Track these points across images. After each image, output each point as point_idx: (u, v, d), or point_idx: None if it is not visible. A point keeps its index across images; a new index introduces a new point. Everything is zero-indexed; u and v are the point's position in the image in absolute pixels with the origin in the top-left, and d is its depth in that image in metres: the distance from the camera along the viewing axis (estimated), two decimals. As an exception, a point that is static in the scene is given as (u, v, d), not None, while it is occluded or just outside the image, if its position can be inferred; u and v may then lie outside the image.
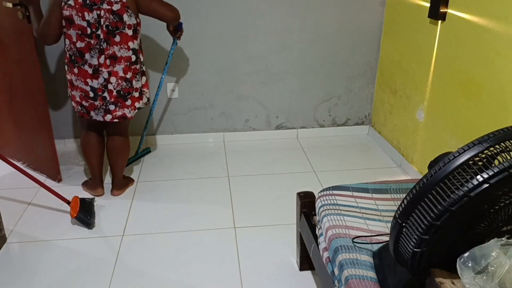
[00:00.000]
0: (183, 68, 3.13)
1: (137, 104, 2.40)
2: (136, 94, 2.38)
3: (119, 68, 2.26)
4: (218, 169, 2.94)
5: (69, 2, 2.15)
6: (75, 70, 2.26)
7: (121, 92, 2.31)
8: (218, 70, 3.17)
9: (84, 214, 2.32)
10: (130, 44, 2.26)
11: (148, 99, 2.51)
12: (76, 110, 2.39)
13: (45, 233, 2.28)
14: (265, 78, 3.23)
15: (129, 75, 2.31)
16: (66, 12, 2.17)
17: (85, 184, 2.69)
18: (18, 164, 2.64)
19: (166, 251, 2.14)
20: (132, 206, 2.51)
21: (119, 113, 2.35)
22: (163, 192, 2.65)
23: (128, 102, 2.35)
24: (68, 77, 2.32)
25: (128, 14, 2.20)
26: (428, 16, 2.45)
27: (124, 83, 2.30)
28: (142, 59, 2.38)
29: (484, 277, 1.00)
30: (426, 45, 2.54)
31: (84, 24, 2.18)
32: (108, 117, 2.33)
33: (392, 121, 3.08)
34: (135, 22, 2.25)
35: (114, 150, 2.53)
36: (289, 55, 3.18)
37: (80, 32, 2.19)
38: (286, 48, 3.15)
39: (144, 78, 2.42)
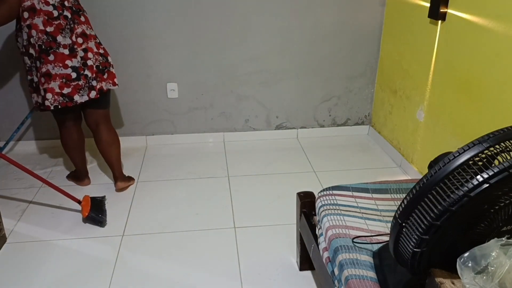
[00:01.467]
0: (183, 68, 3.13)
1: (116, 81, 2.46)
2: (112, 70, 2.45)
3: (91, 44, 2.35)
4: (218, 169, 2.94)
5: None
6: (50, 57, 2.24)
7: (100, 67, 2.38)
8: (218, 70, 3.17)
9: (95, 213, 2.34)
10: (92, 27, 2.41)
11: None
12: (54, 104, 2.29)
13: (45, 233, 2.28)
14: (265, 78, 3.23)
15: (101, 51, 2.40)
16: (27, 3, 2.17)
17: (71, 176, 2.77)
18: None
19: (166, 251, 2.14)
20: (132, 206, 2.51)
21: (98, 86, 2.38)
22: (163, 192, 2.65)
23: (105, 76, 2.41)
24: (43, 70, 2.24)
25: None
26: (428, 16, 2.45)
27: (100, 57, 2.38)
28: None
29: (484, 277, 1.00)
30: (426, 45, 2.54)
31: (50, 8, 2.21)
32: (93, 94, 2.36)
33: (392, 121, 3.08)
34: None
35: (102, 143, 2.54)
36: (289, 55, 3.18)
37: (46, 17, 2.21)
38: (286, 48, 3.15)
39: None
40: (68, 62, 2.27)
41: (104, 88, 2.41)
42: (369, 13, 3.11)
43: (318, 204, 1.73)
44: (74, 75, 2.29)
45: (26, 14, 2.18)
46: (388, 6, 3.05)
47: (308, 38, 3.14)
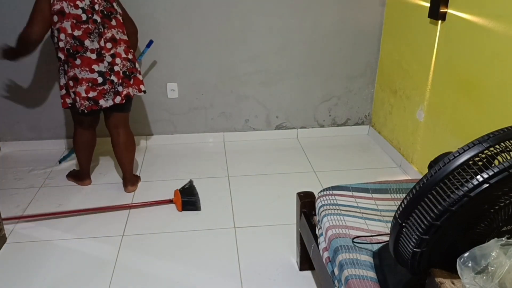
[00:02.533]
0: (183, 68, 3.13)
1: (142, 87, 2.45)
2: (139, 76, 2.44)
3: (120, 49, 2.33)
4: (218, 169, 2.94)
5: None
6: (77, 62, 2.25)
7: (126, 73, 2.37)
8: (218, 70, 3.17)
9: (188, 202, 2.43)
10: (124, 30, 2.36)
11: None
12: (81, 108, 2.33)
13: (45, 233, 2.28)
14: (265, 78, 3.23)
15: (130, 56, 2.39)
16: (56, 6, 2.17)
17: (71, 176, 2.78)
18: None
19: (166, 251, 2.14)
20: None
21: (124, 92, 2.38)
22: (163, 192, 2.64)
23: (132, 81, 2.40)
24: (71, 74, 2.27)
25: (116, 2, 2.33)
26: (428, 16, 2.45)
27: (128, 63, 2.37)
28: None
29: (484, 277, 1.00)
30: (426, 45, 2.54)
31: (79, 12, 2.20)
32: (118, 99, 2.36)
33: (392, 121, 3.08)
34: (121, 12, 2.36)
35: (120, 146, 2.54)
36: (289, 55, 3.18)
37: (75, 21, 2.20)
38: (286, 48, 3.15)
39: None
40: (94, 66, 2.27)
41: (131, 94, 2.41)
42: (369, 13, 3.11)
43: (318, 204, 1.73)
44: (100, 79, 2.29)
45: (55, 18, 2.20)
46: (388, 6, 3.05)
47: (308, 38, 3.14)
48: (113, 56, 2.30)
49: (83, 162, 2.66)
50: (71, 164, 3.00)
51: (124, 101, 2.39)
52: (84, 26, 2.22)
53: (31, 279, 1.97)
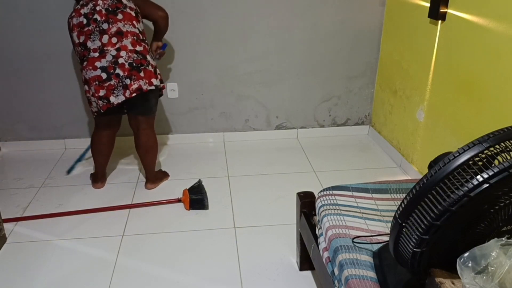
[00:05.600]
0: (183, 68, 3.13)
1: (154, 81, 2.32)
2: (151, 69, 2.33)
3: (127, 42, 2.26)
4: (218, 169, 2.94)
5: (72, 14, 2.26)
6: (85, 64, 2.27)
7: (134, 64, 2.26)
8: (218, 70, 3.17)
9: (196, 200, 2.44)
10: (135, 23, 2.30)
11: (163, 85, 2.43)
12: (99, 108, 2.32)
13: (45, 233, 2.28)
14: (265, 78, 3.23)
15: (139, 48, 2.29)
16: (70, 25, 2.28)
17: (91, 175, 2.78)
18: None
19: (166, 251, 2.14)
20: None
21: (135, 85, 2.27)
22: (163, 192, 2.65)
23: (142, 74, 2.28)
24: (83, 78, 2.32)
25: None
26: (428, 16, 2.45)
27: (135, 55, 2.27)
28: (148, 45, 2.41)
29: (484, 277, 1.00)
30: (426, 45, 2.54)
31: (81, 19, 2.23)
32: (128, 93, 2.26)
33: (392, 121, 3.08)
34: (134, 6, 2.32)
35: (140, 148, 2.55)
36: (289, 55, 3.18)
37: (79, 28, 2.24)
38: (286, 48, 3.15)
39: (155, 62, 2.41)
40: (97, 63, 2.24)
41: (144, 87, 2.28)
42: (369, 13, 3.11)
43: (318, 204, 1.73)
44: (104, 75, 2.24)
45: (71, 36, 2.29)
46: (388, 6, 3.05)
47: (308, 38, 3.14)
48: (118, 49, 2.24)
49: (97, 165, 2.65)
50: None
51: (134, 94, 2.27)
52: (85, 29, 2.23)
53: (31, 279, 1.97)
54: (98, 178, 2.69)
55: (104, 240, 2.23)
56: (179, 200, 2.52)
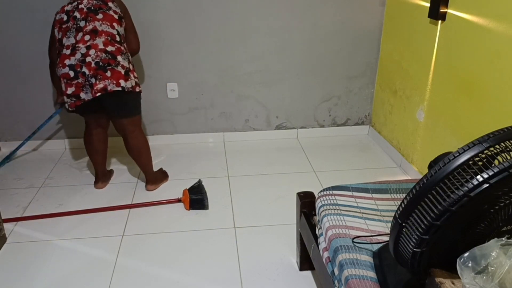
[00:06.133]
0: (183, 68, 3.13)
1: (122, 82, 2.22)
2: (121, 70, 2.23)
3: (99, 41, 2.21)
4: (218, 169, 2.94)
5: (58, 10, 2.29)
6: (58, 60, 2.25)
7: (100, 63, 2.19)
8: (218, 70, 3.17)
9: (196, 200, 2.44)
10: (115, 25, 2.28)
11: (138, 86, 2.35)
12: (69, 106, 2.30)
13: (45, 233, 2.28)
14: (265, 78, 3.23)
15: (110, 48, 2.22)
16: (55, 18, 2.30)
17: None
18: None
19: (166, 251, 2.14)
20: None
21: (100, 85, 2.20)
22: (163, 192, 2.65)
23: (108, 74, 2.20)
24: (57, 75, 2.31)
25: (114, 4, 2.30)
26: (428, 16, 2.45)
27: (103, 54, 2.20)
28: (127, 49, 2.35)
29: (484, 277, 1.00)
30: (426, 45, 2.54)
31: (63, 15, 2.25)
32: (93, 92, 2.21)
33: (392, 121, 3.08)
34: (120, 12, 2.31)
35: (131, 151, 2.51)
36: (289, 55, 3.18)
37: (59, 25, 2.25)
38: (286, 48, 3.15)
39: (131, 65, 2.32)
40: (66, 61, 2.22)
41: (108, 87, 2.20)
42: (369, 13, 3.11)
43: (318, 204, 1.73)
44: (72, 73, 2.22)
45: (52, 30, 2.30)
46: (388, 6, 3.05)
47: (308, 38, 3.14)
48: (89, 47, 2.19)
49: (94, 164, 2.64)
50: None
51: (99, 94, 2.20)
52: (64, 26, 2.24)
53: (31, 279, 1.97)
54: (99, 178, 2.68)
55: (104, 240, 2.23)
56: (179, 200, 2.51)
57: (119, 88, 2.23)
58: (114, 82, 2.22)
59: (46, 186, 2.74)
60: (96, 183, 2.69)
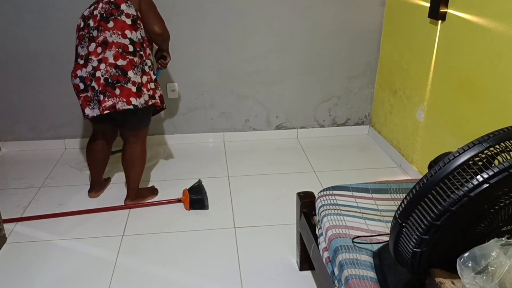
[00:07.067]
0: (183, 68, 3.13)
1: (133, 100, 2.13)
2: (131, 87, 2.13)
3: (109, 54, 2.11)
4: (218, 169, 2.94)
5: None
6: (73, 69, 2.22)
7: (109, 80, 2.10)
8: (218, 70, 3.17)
9: (195, 200, 2.45)
10: (127, 33, 2.12)
11: (153, 98, 2.25)
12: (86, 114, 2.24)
13: (45, 233, 2.28)
14: (265, 78, 3.23)
15: (120, 62, 2.11)
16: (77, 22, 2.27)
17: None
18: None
19: (166, 251, 2.14)
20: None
21: (108, 102, 2.11)
22: (163, 192, 2.64)
23: (117, 92, 2.11)
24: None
25: (127, 4, 2.14)
26: (428, 16, 2.45)
27: (113, 69, 2.10)
28: (144, 56, 2.21)
29: (484, 277, 1.00)
30: (426, 45, 2.54)
31: (80, 21, 2.20)
32: (101, 109, 2.14)
33: (392, 121, 3.08)
34: (134, 13, 2.15)
35: (123, 161, 2.41)
36: (289, 55, 3.18)
37: (77, 31, 2.21)
38: (286, 48, 3.15)
39: (145, 78, 2.21)
40: (78, 72, 2.17)
41: (118, 106, 2.11)
42: (369, 13, 3.11)
43: (318, 204, 1.73)
44: (82, 85, 2.16)
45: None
46: (388, 6, 3.05)
47: (308, 38, 3.14)
48: (100, 61, 2.11)
49: (91, 173, 2.58)
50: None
51: (107, 112, 2.12)
52: (79, 33, 2.20)
53: (31, 279, 1.97)
54: (93, 187, 2.60)
55: (104, 240, 2.23)
56: (179, 200, 2.51)
57: (130, 107, 2.14)
58: (124, 100, 2.13)
59: (46, 186, 2.74)
60: (90, 191, 2.61)
